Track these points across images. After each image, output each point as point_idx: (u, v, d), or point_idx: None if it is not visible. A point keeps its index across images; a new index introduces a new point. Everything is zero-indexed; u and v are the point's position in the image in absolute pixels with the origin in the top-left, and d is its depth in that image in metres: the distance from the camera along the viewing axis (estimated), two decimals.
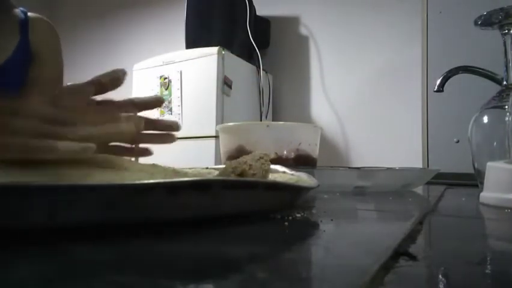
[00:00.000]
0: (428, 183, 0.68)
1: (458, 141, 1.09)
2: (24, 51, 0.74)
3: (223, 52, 1.67)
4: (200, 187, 0.23)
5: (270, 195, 0.29)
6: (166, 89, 1.77)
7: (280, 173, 0.43)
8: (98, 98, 0.40)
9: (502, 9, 0.57)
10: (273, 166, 0.45)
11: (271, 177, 0.43)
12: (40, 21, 0.78)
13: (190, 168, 0.46)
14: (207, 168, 0.50)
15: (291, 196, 0.32)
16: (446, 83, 0.69)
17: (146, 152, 0.45)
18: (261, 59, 1.85)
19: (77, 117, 0.35)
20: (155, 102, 0.45)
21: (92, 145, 0.31)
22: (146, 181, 0.22)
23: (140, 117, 0.41)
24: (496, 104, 0.59)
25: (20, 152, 0.29)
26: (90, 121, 0.36)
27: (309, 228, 0.27)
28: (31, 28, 0.76)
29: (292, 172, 0.43)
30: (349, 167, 0.93)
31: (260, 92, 1.88)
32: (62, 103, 0.36)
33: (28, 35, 0.75)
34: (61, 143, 0.30)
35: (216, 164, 1.20)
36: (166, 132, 0.46)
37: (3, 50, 0.71)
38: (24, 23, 0.75)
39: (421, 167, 1.13)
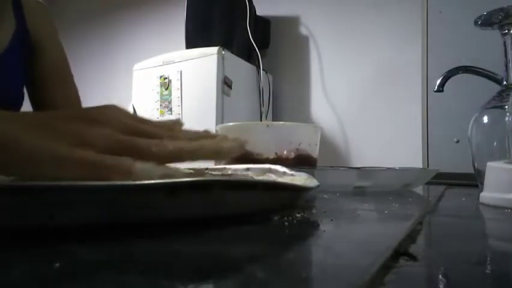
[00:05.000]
0: (428, 183, 0.68)
1: (458, 141, 1.09)
2: (22, 40, 0.68)
3: (223, 52, 1.67)
4: (200, 188, 0.23)
5: (270, 196, 0.29)
6: (166, 89, 1.77)
7: (281, 173, 0.43)
8: None
9: (502, 9, 0.57)
10: (273, 166, 0.45)
11: (272, 177, 0.42)
12: (34, 4, 0.72)
13: (190, 169, 0.46)
14: (207, 169, 0.50)
15: (291, 196, 0.32)
16: (446, 83, 0.69)
17: None
18: (261, 59, 1.85)
19: (162, 130, 0.31)
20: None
21: (176, 172, 0.27)
22: (147, 181, 0.21)
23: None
24: (496, 104, 0.59)
25: (87, 171, 0.24)
26: (176, 136, 0.31)
27: (309, 228, 0.27)
28: (27, 13, 0.69)
29: (292, 172, 0.42)
30: (349, 167, 0.93)
31: (260, 92, 1.88)
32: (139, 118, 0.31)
33: (26, 23, 0.69)
34: (139, 167, 0.24)
35: (215, 164, 1.20)
36: None
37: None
38: (18, 6, 0.69)
39: (421, 167, 1.13)
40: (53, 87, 0.73)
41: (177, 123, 0.34)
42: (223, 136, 0.33)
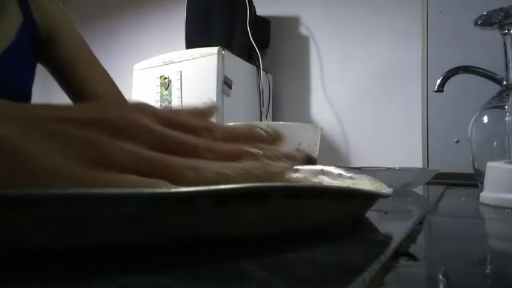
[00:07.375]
0: (428, 183, 0.68)
1: (458, 141, 1.09)
2: (31, 31, 0.66)
3: (223, 52, 1.67)
4: (255, 196, 0.18)
5: (343, 206, 0.24)
6: (166, 89, 1.77)
7: (335, 176, 0.38)
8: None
9: (502, 9, 0.57)
10: (325, 167, 0.40)
11: (325, 180, 0.37)
12: None
13: None
14: None
15: (365, 206, 0.28)
16: (446, 83, 0.69)
17: None
18: (261, 59, 1.85)
19: (202, 142, 0.24)
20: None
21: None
22: (183, 189, 0.16)
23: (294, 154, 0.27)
24: (496, 104, 0.59)
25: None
26: (221, 151, 0.24)
27: None
28: (32, 4, 0.67)
29: (351, 175, 0.37)
30: (349, 167, 0.93)
31: (260, 92, 1.88)
32: (177, 119, 0.25)
33: (32, 13, 0.66)
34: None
35: None
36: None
37: (5, 34, 0.63)
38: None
39: (421, 167, 1.13)
40: (83, 70, 0.71)
41: (209, 111, 0.28)
42: (272, 150, 0.25)
